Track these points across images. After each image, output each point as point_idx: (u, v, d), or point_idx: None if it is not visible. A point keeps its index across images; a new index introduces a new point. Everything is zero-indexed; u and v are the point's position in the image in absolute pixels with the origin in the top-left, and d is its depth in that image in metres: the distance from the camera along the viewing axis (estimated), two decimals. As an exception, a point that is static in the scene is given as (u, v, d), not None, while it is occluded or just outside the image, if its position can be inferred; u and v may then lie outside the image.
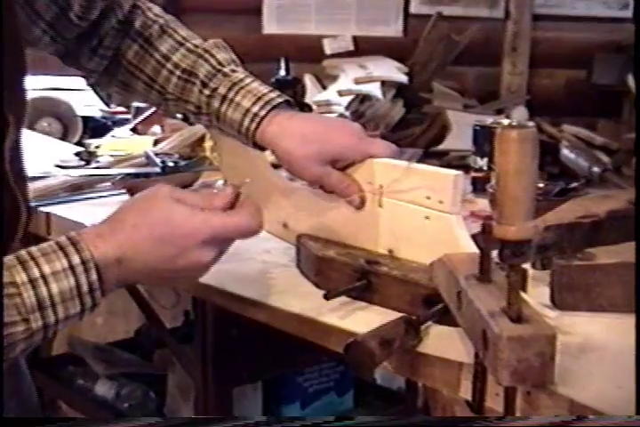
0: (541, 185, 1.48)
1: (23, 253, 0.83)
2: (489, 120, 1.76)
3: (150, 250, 0.87)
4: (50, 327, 0.83)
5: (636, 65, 2.30)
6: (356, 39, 2.78)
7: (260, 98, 1.13)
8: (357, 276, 1.04)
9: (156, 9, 1.24)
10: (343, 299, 1.04)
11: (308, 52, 2.69)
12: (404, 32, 2.79)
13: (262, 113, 1.12)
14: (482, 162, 1.67)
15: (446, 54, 2.52)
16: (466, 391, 0.87)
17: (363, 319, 0.99)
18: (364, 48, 2.76)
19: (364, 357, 0.84)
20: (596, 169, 1.68)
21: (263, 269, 1.06)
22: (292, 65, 2.25)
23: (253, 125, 1.12)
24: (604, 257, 1.03)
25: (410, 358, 0.92)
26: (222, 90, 1.15)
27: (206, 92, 1.16)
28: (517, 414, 0.81)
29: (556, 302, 1.01)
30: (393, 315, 0.95)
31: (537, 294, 0.99)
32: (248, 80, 1.15)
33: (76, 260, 0.83)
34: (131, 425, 0.98)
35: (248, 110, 1.12)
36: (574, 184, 1.54)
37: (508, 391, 0.79)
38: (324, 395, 1.90)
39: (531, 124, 0.71)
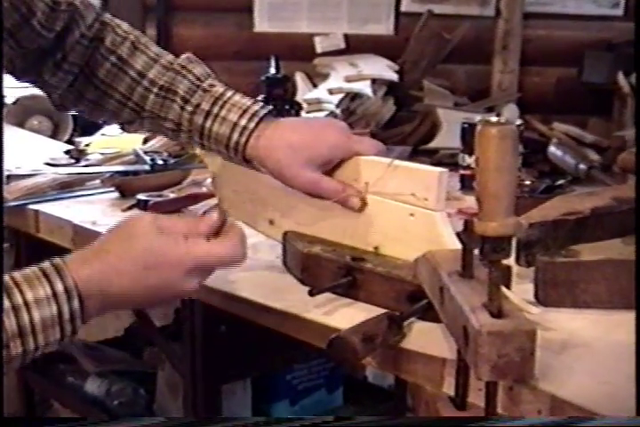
0: (528, 182, 1.49)
1: (7, 279, 0.82)
2: (477, 118, 1.76)
3: (134, 281, 0.87)
4: (29, 354, 0.83)
5: (636, 64, 2.30)
6: (347, 37, 2.79)
7: (245, 111, 1.12)
8: (342, 272, 1.04)
9: (125, 26, 1.22)
10: (328, 295, 1.04)
11: (299, 50, 2.69)
12: (395, 30, 2.80)
13: (251, 125, 1.11)
14: (470, 159, 1.67)
15: (437, 52, 2.53)
16: (449, 387, 0.88)
17: (347, 316, 0.99)
18: (355, 46, 2.76)
19: (346, 352, 0.84)
20: (582, 166, 1.69)
21: (249, 266, 1.06)
22: (282, 63, 2.25)
23: (243, 139, 1.12)
24: (589, 254, 1.03)
25: (393, 354, 0.92)
26: (205, 105, 1.14)
27: (188, 108, 1.14)
28: (498, 410, 0.81)
29: (540, 299, 1.01)
30: (378, 311, 0.95)
31: (521, 291, 1.00)
32: (229, 93, 1.15)
33: (59, 287, 0.83)
34: (133, 426, 0.99)
35: (236, 124, 1.12)
36: (560, 181, 1.54)
37: (490, 387, 0.79)
38: (314, 392, 1.90)
39: (512, 121, 0.71)
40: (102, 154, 1.89)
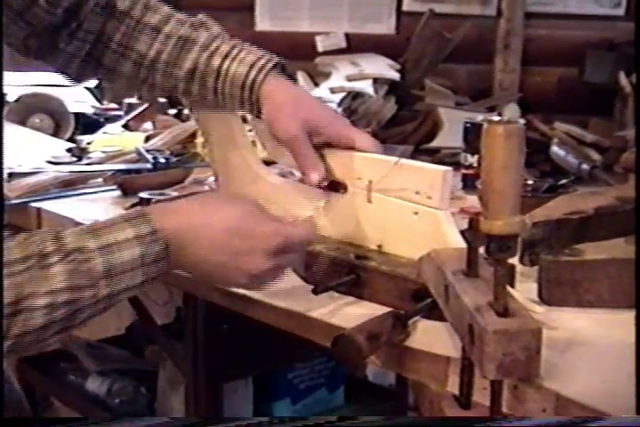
0: (531, 182, 1.49)
1: (94, 222, 0.85)
2: (479, 117, 1.76)
3: (218, 239, 0.88)
4: (114, 296, 0.84)
5: (637, 64, 2.30)
6: (348, 36, 2.79)
7: (262, 56, 1.15)
8: (346, 271, 1.04)
9: None
10: (332, 294, 1.04)
11: (301, 50, 2.69)
12: (397, 29, 2.80)
13: (269, 65, 1.13)
14: (472, 159, 1.67)
15: (438, 52, 2.53)
16: (453, 386, 0.88)
17: (351, 314, 0.99)
18: (356, 45, 2.76)
19: (351, 351, 0.84)
20: (585, 166, 1.69)
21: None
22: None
23: (260, 77, 1.13)
24: (592, 253, 1.03)
25: (397, 353, 0.92)
26: (225, 48, 1.15)
27: (206, 53, 1.16)
28: (503, 409, 0.81)
29: (544, 298, 1.01)
30: (382, 310, 0.95)
31: (525, 290, 1.00)
32: (246, 44, 1.17)
33: (144, 230, 0.85)
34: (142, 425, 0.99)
35: (254, 64, 1.13)
36: (563, 181, 1.54)
37: (495, 385, 0.79)
38: (315, 391, 1.90)
39: (519, 120, 0.71)
40: (104, 152, 1.88)
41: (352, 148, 1.11)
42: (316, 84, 2.57)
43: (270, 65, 1.13)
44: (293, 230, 0.93)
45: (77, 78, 1.26)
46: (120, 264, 0.83)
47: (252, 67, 1.13)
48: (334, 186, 1.15)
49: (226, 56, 1.15)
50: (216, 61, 1.15)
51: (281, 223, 0.93)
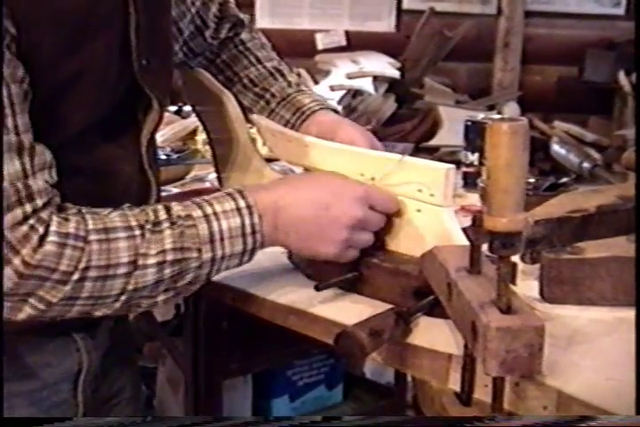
0: (532, 180, 1.49)
1: (197, 198, 0.96)
2: (480, 116, 1.77)
3: (307, 197, 0.99)
4: (216, 262, 0.94)
5: (637, 63, 2.31)
6: (348, 34, 2.79)
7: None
8: (349, 267, 1.04)
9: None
10: (334, 291, 1.05)
11: (301, 47, 2.70)
12: (397, 27, 2.80)
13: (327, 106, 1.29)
14: (473, 157, 1.68)
15: (438, 50, 2.53)
16: (454, 383, 0.88)
17: (354, 311, 0.99)
18: (356, 43, 2.77)
19: (353, 347, 0.84)
20: (586, 165, 1.69)
21: (255, 261, 1.06)
22: (283, 59, 2.25)
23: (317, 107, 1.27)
24: (593, 251, 1.03)
25: (399, 350, 0.93)
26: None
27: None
28: (505, 406, 0.82)
29: (545, 296, 1.02)
30: (384, 307, 0.95)
31: (526, 288, 1.00)
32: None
33: (242, 203, 0.95)
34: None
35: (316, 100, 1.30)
36: (564, 179, 1.55)
37: (497, 382, 0.79)
38: (314, 388, 1.90)
39: (522, 117, 0.72)
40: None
41: None
42: (316, 82, 2.57)
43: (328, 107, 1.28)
44: (374, 187, 1.03)
45: None
46: (220, 231, 0.93)
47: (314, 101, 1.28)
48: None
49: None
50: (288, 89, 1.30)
51: (362, 198, 1.00)
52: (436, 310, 0.93)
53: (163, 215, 0.92)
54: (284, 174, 1.34)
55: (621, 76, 2.55)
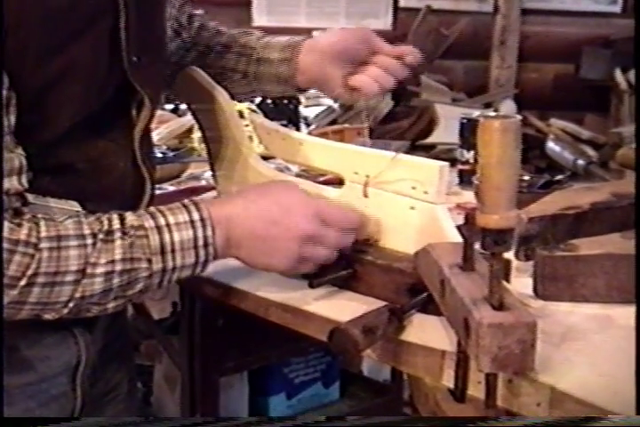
0: (527, 178, 1.49)
1: (152, 208, 0.96)
2: (475, 113, 1.77)
3: (258, 212, 0.99)
4: (167, 273, 0.94)
5: (636, 61, 2.31)
6: (345, 32, 2.78)
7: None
8: (342, 264, 1.04)
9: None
10: (328, 288, 1.05)
11: (298, 45, 2.69)
12: (394, 25, 2.80)
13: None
14: (468, 155, 1.68)
15: (435, 48, 2.53)
16: (448, 379, 0.88)
17: (347, 308, 0.99)
18: (353, 41, 2.76)
19: (347, 344, 0.84)
20: (580, 162, 1.70)
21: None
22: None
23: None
24: (587, 248, 1.03)
25: (393, 347, 0.93)
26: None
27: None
28: (498, 403, 0.82)
29: (539, 293, 1.02)
30: (378, 304, 0.95)
31: (520, 285, 1.00)
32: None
33: (195, 216, 0.95)
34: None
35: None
36: (559, 177, 1.55)
37: (490, 379, 0.79)
38: (310, 386, 1.90)
39: (515, 115, 0.72)
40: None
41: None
42: (313, 80, 2.56)
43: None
44: (329, 203, 1.03)
45: None
46: (172, 243, 0.93)
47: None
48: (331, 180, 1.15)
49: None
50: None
51: (313, 213, 1.00)
52: (429, 306, 0.94)
53: (116, 225, 0.92)
54: (282, 172, 1.34)
55: (618, 73, 2.55)
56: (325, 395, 1.94)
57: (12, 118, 0.88)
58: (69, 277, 0.89)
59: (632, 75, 2.51)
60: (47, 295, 0.88)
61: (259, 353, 1.67)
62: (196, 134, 1.83)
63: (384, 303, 0.95)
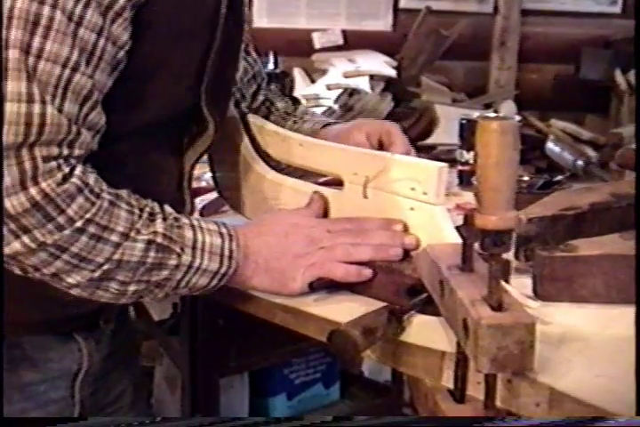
0: (526, 178, 1.49)
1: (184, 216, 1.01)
2: (475, 114, 1.77)
3: (269, 246, 1.02)
4: (190, 270, 0.96)
5: (636, 62, 2.31)
6: (345, 33, 2.79)
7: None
8: (342, 265, 1.04)
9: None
10: (328, 289, 1.05)
11: (298, 46, 2.70)
12: (394, 26, 2.80)
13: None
14: (468, 155, 1.68)
15: (435, 49, 2.53)
16: (448, 380, 0.88)
17: (347, 309, 0.99)
18: (353, 42, 2.77)
19: (346, 345, 0.84)
20: (580, 162, 1.69)
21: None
22: (281, 58, 2.26)
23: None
24: (587, 249, 1.03)
25: (393, 348, 0.93)
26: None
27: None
28: (497, 403, 0.82)
29: (539, 293, 1.02)
30: (377, 305, 0.96)
31: (520, 285, 1.00)
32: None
33: (223, 229, 1.00)
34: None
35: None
36: (558, 177, 1.55)
37: (489, 379, 0.80)
38: (311, 387, 1.90)
39: (513, 116, 0.72)
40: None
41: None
42: (313, 81, 2.57)
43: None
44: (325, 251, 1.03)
45: None
46: (203, 242, 0.97)
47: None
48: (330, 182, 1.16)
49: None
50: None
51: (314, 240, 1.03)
52: (429, 307, 0.94)
53: (157, 209, 0.97)
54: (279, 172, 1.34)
55: (618, 74, 2.55)
56: (326, 396, 1.94)
57: (110, 83, 0.91)
58: (114, 237, 0.91)
59: (632, 75, 2.51)
60: (89, 249, 0.90)
61: (259, 354, 1.68)
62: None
63: (383, 304, 0.95)
